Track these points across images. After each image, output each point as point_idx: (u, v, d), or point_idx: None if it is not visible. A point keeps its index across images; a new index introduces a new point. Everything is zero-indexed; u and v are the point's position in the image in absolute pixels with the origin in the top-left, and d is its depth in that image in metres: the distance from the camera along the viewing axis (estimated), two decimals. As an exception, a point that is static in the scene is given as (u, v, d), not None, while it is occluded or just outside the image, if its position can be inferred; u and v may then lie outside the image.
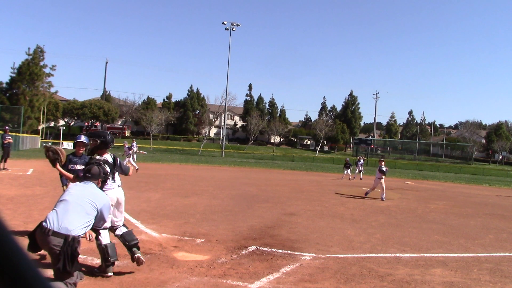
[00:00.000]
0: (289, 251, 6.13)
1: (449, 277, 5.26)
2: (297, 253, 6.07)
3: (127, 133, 73.87)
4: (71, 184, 4.12)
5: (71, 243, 3.53)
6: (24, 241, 5.03)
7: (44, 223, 3.60)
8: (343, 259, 5.88)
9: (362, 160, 26.13)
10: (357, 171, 25.38)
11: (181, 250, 5.84)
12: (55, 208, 3.72)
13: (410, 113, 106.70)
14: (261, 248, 6.19)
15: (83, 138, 5.89)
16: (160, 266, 5.01)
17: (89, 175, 4.06)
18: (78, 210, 3.70)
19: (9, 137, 17.16)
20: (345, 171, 23.66)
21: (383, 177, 13.91)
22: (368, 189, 14.51)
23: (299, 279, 4.81)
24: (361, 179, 24.40)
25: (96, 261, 5.02)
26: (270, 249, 6.17)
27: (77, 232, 3.61)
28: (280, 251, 6.12)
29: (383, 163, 14.56)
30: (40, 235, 3.59)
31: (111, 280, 4.41)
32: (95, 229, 4.02)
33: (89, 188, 3.95)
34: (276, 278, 4.80)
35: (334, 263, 5.64)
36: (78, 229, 3.63)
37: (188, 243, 6.27)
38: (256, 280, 4.69)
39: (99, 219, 3.94)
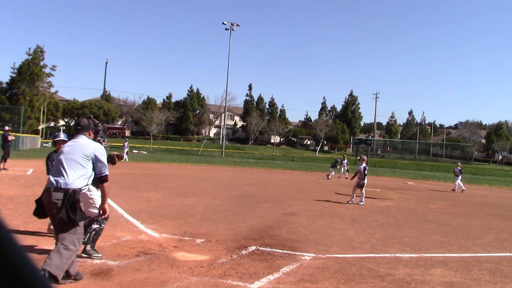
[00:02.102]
0: (289, 251, 6.12)
1: (449, 277, 5.26)
2: (297, 253, 6.06)
3: (127, 133, 73.87)
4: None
5: (71, 195, 3.84)
6: (25, 241, 5.04)
7: (47, 184, 3.99)
8: (343, 259, 5.88)
9: (346, 160, 26.62)
10: (342, 171, 25.94)
11: (181, 250, 5.84)
12: (53, 168, 4.11)
13: (410, 113, 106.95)
14: (261, 248, 6.19)
15: (62, 136, 6.06)
16: (160, 266, 5.00)
17: (79, 127, 4.29)
18: (72, 165, 3.98)
19: (10, 137, 17.22)
20: (332, 170, 24.38)
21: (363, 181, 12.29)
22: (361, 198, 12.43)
23: (299, 279, 4.81)
24: (346, 178, 24.79)
25: (96, 262, 5.02)
26: (270, 249, 6.16)
27: (76, 185, 3.91)
28: (280, 251, 6.11)
29: (364, 162, 12.80)
30: (45, 195, 3.97)
31: (111, 280, 4.40)
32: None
33: (79, 141, 4.19)
34: (276, 278, 4.80)
35: (334, 263, 5.64)
36: (76, 182, 3.92)
37: (188, 243, 6.27)
38: (256, 280, 4.68)
39: (98, 164, 4.14)
